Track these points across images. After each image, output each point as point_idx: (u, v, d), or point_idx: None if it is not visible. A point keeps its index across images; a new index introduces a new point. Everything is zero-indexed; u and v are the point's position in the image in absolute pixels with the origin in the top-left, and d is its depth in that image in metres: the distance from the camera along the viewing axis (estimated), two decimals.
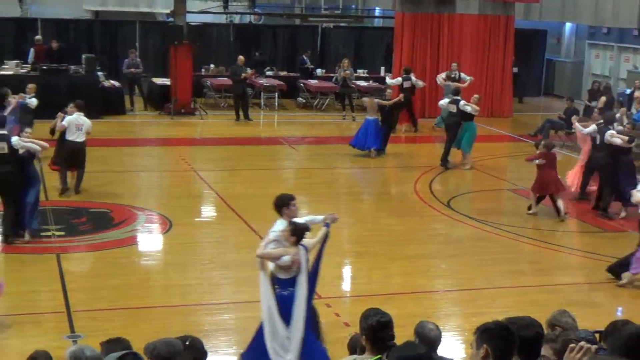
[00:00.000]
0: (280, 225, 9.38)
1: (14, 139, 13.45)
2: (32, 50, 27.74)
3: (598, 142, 16.53)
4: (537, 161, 16.29)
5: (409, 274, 12.93)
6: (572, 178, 17.68)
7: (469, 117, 20.17)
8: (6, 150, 13.31)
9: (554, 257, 14.28)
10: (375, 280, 12.72)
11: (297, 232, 9.01)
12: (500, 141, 24.77)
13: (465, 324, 10.81)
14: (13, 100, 18.75)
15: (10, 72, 25.21)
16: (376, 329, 6.12)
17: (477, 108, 20.30)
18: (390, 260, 13.42)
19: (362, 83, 28.80)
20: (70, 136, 16.39)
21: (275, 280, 9.10)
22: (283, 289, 9.01)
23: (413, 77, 24.65)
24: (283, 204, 9.60)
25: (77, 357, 5.65)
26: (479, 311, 11.18)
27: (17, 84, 24.41)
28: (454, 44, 27.83)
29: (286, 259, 8.91)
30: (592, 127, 17.05)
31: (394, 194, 18.62)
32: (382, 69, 30.19)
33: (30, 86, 19.85)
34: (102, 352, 5.95)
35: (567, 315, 6.67)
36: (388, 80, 25.28)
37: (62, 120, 16.44)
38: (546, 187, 16.33)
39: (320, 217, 9.74)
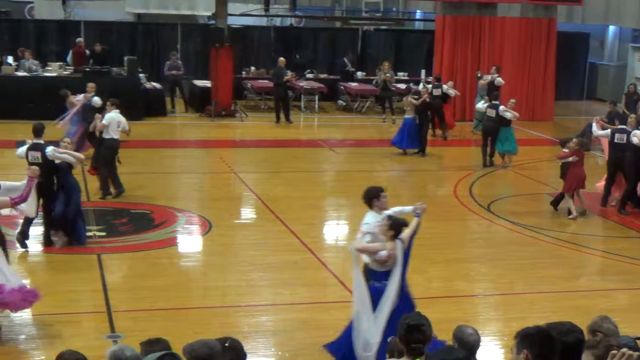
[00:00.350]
0: (370, 217, 9.54)
1: (49, 150, 13.20)
2: (70, 52, 28.06)
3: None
4: (570, 159, 16.20)
5: (449, 278, 12.88)
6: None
7: (506, 122, 20.11)
8: (40, 160, 13.05)
9: (595, 262, 14.16)
10: (415, 284, 12.58)
11: (395, 227, 9.13)
12: (541, 145, 24.57)
13: (505, 328, 10.74)
14: (76, 101, 18.99)
15: (54, 74, 25.49)
16: (406, 331, 6.10)
17: (517, 114, 20.26)
18: (430, 264, 13.35)
19: (403, 86, 28.70)
20: (113, 134, 16.41)
21: (369, 273, 9.22)
22: (378, 281, 9.12)
23: (444, 86, 24.48)
24: (373, 196, 9.77)
25: (117, 357, 5.69)
26: (519, 316, 11.09)
27: (61, 85, 24.80)
28: (495, 47, 27.69)
29: (383, 253, 9.04)
30: (606, 131, 17.13)
31: (434, 197, 18.55)
32: (423, 72, 30.10)
33: (91, 85, 19.76)
34: (141, 352, 5.99)
35: (608, 321, 6.59)
36: (421, 86, 25.17)
37: (101, 120, 16.46)
38: (578, 184, 16.32)
39: (409, 208, 9.89)
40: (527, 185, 19.25)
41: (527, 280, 12.88)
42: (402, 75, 29.81)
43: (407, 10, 38.62)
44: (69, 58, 27.86)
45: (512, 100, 20.74)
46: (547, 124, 27.59)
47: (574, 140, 16.59)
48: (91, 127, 16.92)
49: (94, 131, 17.06)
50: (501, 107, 20.06)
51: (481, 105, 21.23)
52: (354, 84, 29.16)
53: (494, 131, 20.16)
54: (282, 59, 26.51)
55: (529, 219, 16.16)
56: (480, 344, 6.54)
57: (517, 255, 14.10)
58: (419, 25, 38.18)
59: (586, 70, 33.51)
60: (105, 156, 16.54)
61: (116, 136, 16.48)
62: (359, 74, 30.41)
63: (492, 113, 20.20)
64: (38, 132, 13.60)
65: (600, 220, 16.62)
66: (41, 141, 13.53)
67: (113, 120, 16.38)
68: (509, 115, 19.93)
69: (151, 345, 6.11)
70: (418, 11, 37.98)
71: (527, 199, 18.15)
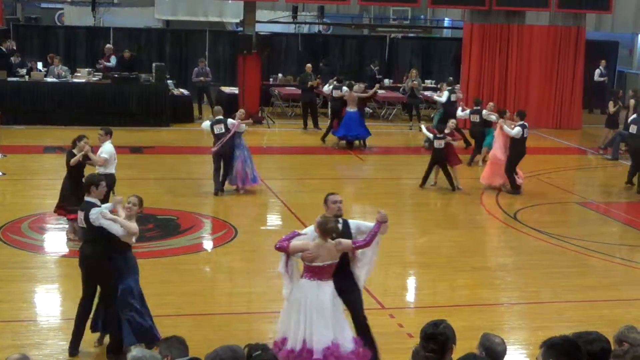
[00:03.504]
0: None
1: (94, 213, 9.47)
2: (116, 57, 28.18)
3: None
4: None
5: (474, 286, 12.82)
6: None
7: (489, 124, 21.09)
8: (84, 225, 9.75)
9: (623, 271, 14.03)
10: (440, 292, 12.64)
11: None
12: (568, 153, 24.45)
13: (530, 337, 10.69)
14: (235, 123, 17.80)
15: (83, 80, 25.67)
16: (422, 339, 6.07)
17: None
18: (455, 272, 13.32)
19: (430, 93, 28.68)
20: (112, 168, 14.05)
21: None
22: None
23: (344, 88, 24.29)
24: None
25: None
26: (544, 325, 11.04)
27: (89, 91, 25.06)
28: (523, 55, 27.59)
29: None
30: (466, 112, 20.82)
31: (460, 205, 18.49)
32: (450, 79, 30.04)
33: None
34: (160, 349, 6.05)
35: (635, 331, 6.55)
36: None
37: (90, 151, 13.79)
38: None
39: None
40: (555, 194, 19.14)
41: (553, 289, 12.80)
42: (429, 82, 29.76)
43: (435, 18, 38.61)
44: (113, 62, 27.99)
45: (491, 104, 21.85)
46: (574, 133, 27.45)
47: (453, 121, 19.32)
48: (73, 161, 13.70)
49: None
50: (484, 112, 21.06)
51: (464, 113, 21.73)
52: (381, 91, 29.11)
53: (481, 135, 21.34)
54: (308, 65, 26.69)
55: (556, 228, 16.07)
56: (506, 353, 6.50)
57: (543, 264, 14.02)
58: (446, 33, 38.16)
59: (615, 79, 33.29)
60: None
61: (114, 170, 14.14)
62: (386, 81, 30.39)
63: (476, 118, 21.19)
64: (87, 185, 9.95)
65: (628, 230, 16.49)
66: (90, 199, 9.79)
67: (112, 154, 14.05)
68: (493, 117, 20.67)
69: (167, 342, 6.19)
70: (446, 19, 37.94)
71: (554, 207, 18.05)
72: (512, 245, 15.28)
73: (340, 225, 9.18)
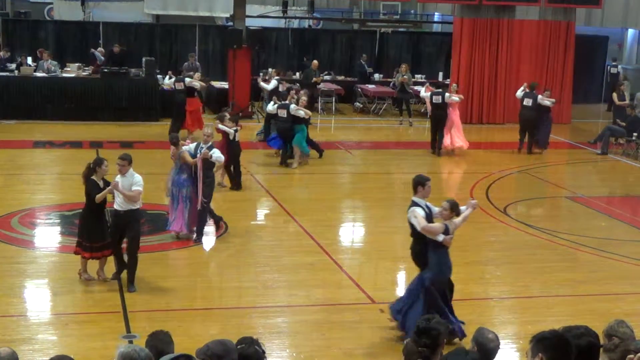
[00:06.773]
0: None
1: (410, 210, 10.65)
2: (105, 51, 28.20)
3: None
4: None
5: (464, 281, 12.81)
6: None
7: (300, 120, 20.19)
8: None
9: (612, 266, 14.07)
10: None
11: None
12: (559, 148, 24.47)
13: (520, 332, 10.72)
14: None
15: (73, 75, 25.59)
16: (416, 334, 6.08)
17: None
18: None
19: (420, 88, 28.68)
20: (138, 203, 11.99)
21: None
22: None
23: (187, 79, 23.08)
24: None
25: (130, 358, 5.71)
26: (534, 319, 11.07)
27: (79, 86, 24.93)
28: (513, 49, 27.62)
29: None
30: (428, 94, 22.02)
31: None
32: (440, 74, 30.08)
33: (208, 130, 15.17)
34: (146, 344, 6.06)
35: (624, 325, 6.56)
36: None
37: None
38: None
39: None
40: (545, 189, 19.20)
41: (543, 284, 12.84)
42: (419, 77, 29.77)
43: (425, 13, 38.60)
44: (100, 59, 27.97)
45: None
46: (564, 127, 27.46)
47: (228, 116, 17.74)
48: (99, 197, 11.73)
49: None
50: (292, 106, 19.88)
51: (271, 107, 20.76)
52: (371, 86, 29.14)
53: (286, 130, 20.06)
54: (315, 62, 27.03)
55: (545, 222, 16.11)
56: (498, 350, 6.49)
57: (533, 258, 14.06)
58: (436, 28, 38.18)
59: (604, 74, 33.34)
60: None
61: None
62: (376, 76, 30.39)
63: (282, 113, 19.93)
64: None
65: (618, 224, 16.54)
66: None
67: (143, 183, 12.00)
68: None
69: (153, 336, 6.21)
70: (436, 13, 37.94)
71: (544, 202, 18.10)
72: (502, 239, 15.31)
73: None
